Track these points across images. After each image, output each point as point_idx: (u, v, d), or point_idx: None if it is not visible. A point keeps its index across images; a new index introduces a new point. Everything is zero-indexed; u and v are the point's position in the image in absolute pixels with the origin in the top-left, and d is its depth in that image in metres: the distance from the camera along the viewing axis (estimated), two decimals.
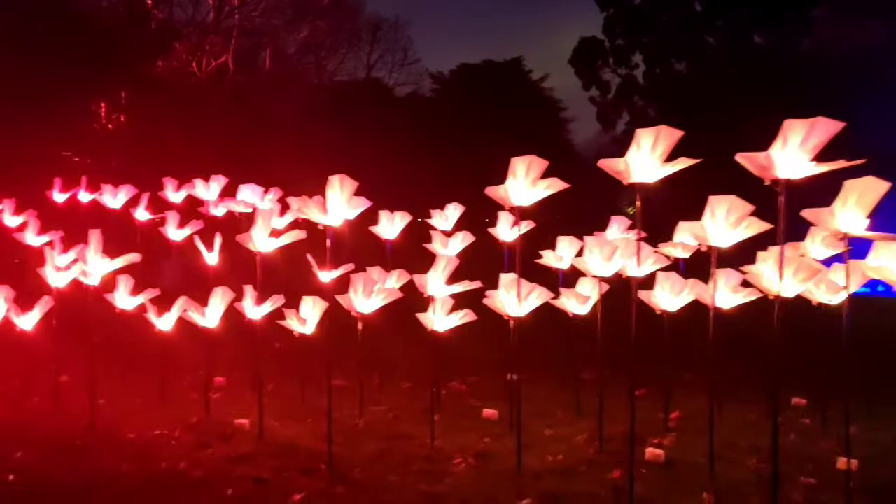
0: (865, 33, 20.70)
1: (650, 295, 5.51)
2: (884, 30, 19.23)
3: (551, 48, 40.54)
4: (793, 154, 3.68)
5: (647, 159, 4.23)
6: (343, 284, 6.25)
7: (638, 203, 4.35)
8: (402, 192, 7.41)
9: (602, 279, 5.47)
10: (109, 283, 6.22)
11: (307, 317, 6.00)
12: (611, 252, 5.19)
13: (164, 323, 6.17)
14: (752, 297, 5.18)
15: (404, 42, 24.76)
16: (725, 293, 5.17)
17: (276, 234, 5.72)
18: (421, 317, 5.93)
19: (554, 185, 4.52)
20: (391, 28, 24.10)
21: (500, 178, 4.80)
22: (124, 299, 6.29)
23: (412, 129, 19.98)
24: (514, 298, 5.49)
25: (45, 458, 4.88)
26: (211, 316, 5.75)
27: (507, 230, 7.39)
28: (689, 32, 26.97)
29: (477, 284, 5.41)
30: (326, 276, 7.07)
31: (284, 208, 7.41)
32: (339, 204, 4.86)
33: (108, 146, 15.68)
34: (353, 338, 5.79)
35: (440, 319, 5.90)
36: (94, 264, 5.44)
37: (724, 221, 4.33)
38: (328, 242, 5.22)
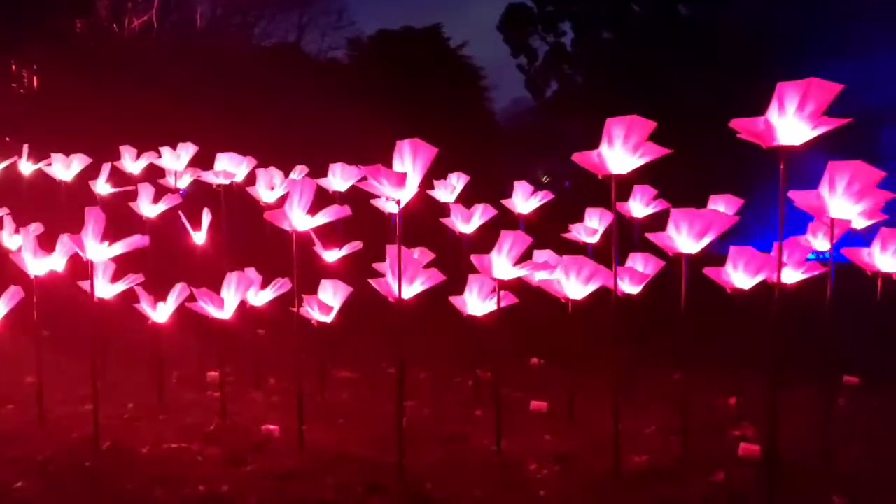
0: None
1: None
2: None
3: (473, 16, 39.84)
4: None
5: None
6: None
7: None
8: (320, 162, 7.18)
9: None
10: (81, 270, 5.30)
11: (329, 303, 5.31)
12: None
13: (161, 314, 5.31)
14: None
15: (339, 4, 23.47)
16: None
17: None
18: (456, 300, 5.36)
19: (652, 152, 3.97)
20: None
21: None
22: (104, 287, 5.37)
23: (332, 97, 19.31)
24: (573, 281, 5.01)
25: (56, 487, 4.00)
26: (225, 306, 4.93)
27: (523, 202, 6.88)
28: (616, 1, 26.95)
29: (546, 267, 4.81)
30: (331, 255, 6.38)
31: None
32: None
33: (21, 111, 14.06)
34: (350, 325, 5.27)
35: (477, 303, 5.34)
36: (94, 250, 4.50)
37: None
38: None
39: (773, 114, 3.54)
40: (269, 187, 6.77)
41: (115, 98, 14.21)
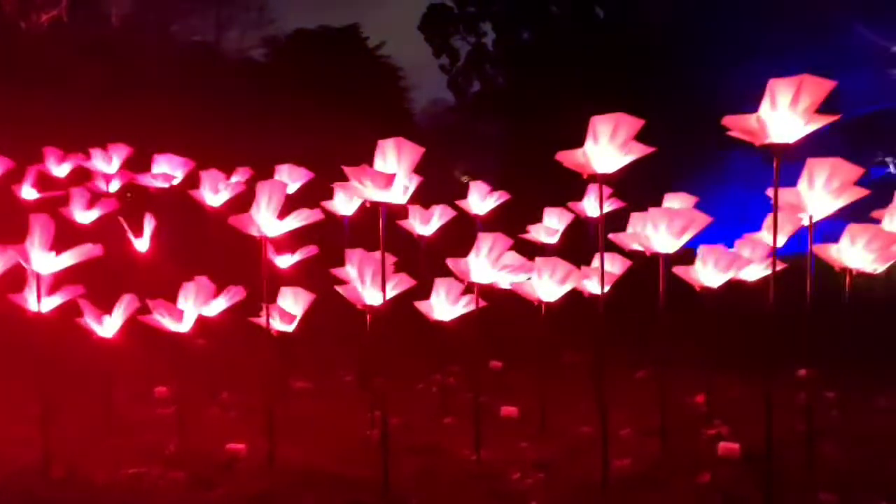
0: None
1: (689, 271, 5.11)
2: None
3: (391, 16, 39.57)
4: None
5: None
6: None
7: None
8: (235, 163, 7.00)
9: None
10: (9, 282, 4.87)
11: (291, 311, 5.07)
12: None
13: (107, 328, 4.92)
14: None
15: (259, 1, 22.78)
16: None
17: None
18: (421, 305, 5.19)
19: (638, 150, 3.92)
20: None
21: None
22: (37, 300, 4.95)
23: (249, 97, 18.88)
24: (546, 282, 4.93)
25: None
26: (184, 318, 4.60)
27: (479, 203, 6.78)
28: (534, 2, 27.31)
29: (526, 269, 4.69)
30: (284, 261, 6.11)
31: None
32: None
33: None
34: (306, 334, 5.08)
35: (445, 307, 5.19)
36: (41, 261, 4.11)
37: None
38: None
39: (765, 110, 3.49)
40: (213, 190, 6.41)
41: (22, 99, 13.33)
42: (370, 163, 3.73)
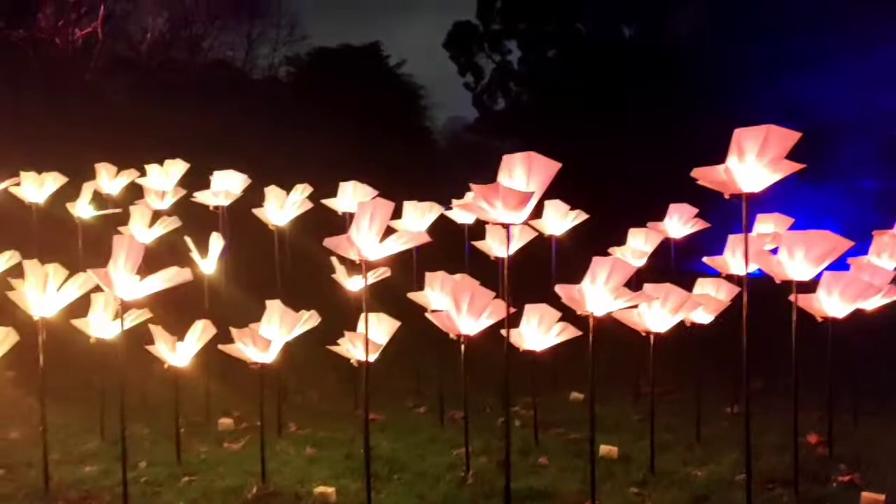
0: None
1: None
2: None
3: (413, 33, 39.49)
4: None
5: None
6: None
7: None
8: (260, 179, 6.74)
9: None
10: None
11: (375, 339, 4.67)
12: None
13: (181, 356, 4.55)
14: None
15: (290, 18, 22.66)
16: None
17: None
18: (514, 333, 4.79)
19: (787, 167, 3.53)
20: (274, 1, 21.94)
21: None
22: (104, 325, 4.63)
23: (270, 114, 18.77)
24: (657, 311, 4.53)
25: None
26: (271, 347, 4.22)
27: (555, 222, 6.39)
28: (560, 20, 27.14)
29: (646, 298, 4.28)
30: (355, 283, 5.73)
31: None
32: None
33: None
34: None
35: (537, 336, 4.81)
36: (125, 285, 3.74)
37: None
38: None
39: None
40: (279, 208, 6.06)
41: (59, 115, 13.14)
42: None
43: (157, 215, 6.02)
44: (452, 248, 6.60)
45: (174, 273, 3.79)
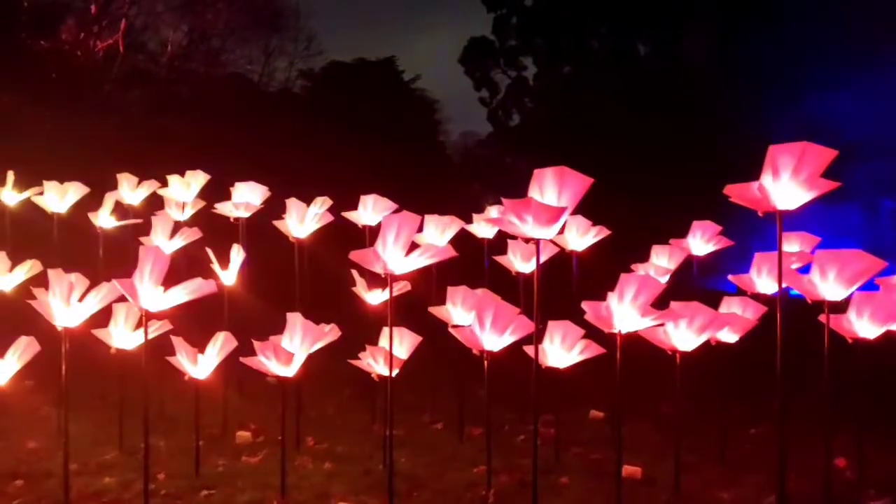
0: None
1: None
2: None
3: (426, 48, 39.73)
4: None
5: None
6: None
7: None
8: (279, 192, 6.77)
9: None
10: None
11: (397, 354, 4.62)
12: None
13: (202, 369, 4.52)
14: None
15: (307, 32, 22.81)
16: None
17: None
18: (532, 350, 4.72)
19: (823, 185, 3.47)
20: (293, 16, 22.09)
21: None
22: (125, 336, 4.61)
23: (285, 127, 18.84)
24: (683, 330, 4.46)
25: None
26: (293, 361, 4.19)
27: (577, 238, 6.33)
28: (576, 37, 27.19)
29: (673, 316, 4.22)
30: (375, 297, 5.69)
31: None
32: None
33: None
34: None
35: (561, 354, 4.75)
36: (150, 297, 3.72)
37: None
38: None
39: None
40: (300, 220, 6.04)
41: (78, 125, 13.23)
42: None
43: (177, 226, 6.02)
44: (471, 263, 6.56)
45: (198, 285, 3.77)
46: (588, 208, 6.32)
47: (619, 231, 6.60)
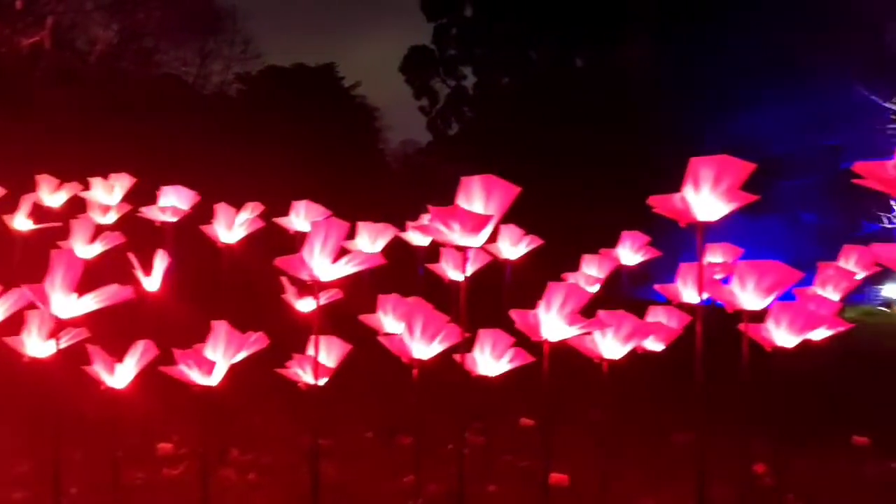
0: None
1: None
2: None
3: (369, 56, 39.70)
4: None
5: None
6: None
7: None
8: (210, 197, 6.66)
9: None
10: None
11: (325, 363, 4.56)
12: None
13: (119, 378, 4.35)
14: None
15: (244, 35, 22.44)
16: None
17: None
18: (467, 358, 4.72)
19: (742, 198, 3.57)
20: (229, 18, 21.70)
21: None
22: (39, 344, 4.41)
23: (219, 131, 18.54)
24: (611, 338, 4.52)
25: None
26: (215, 370, 4.08)
27: (510, 247, 6.37)
28: (515, 47, 27.55)
29: (600, 325, 4.27)
30: (306, 305, 5.60)
31: None
32: None
33: None
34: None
35: (490, 362, 4.75)
36: (62, 304, 3.56)
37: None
38: None
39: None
40: (228, 226, 5.91)
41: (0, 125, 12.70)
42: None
43: (100, 230, 5.82)
44: (406, 271, 6.54)
45: (114, 291, 3.64)
46: (522, 218, 6.41)
47: (553, 240, 6.68)
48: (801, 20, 16.59)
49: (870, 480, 5.12)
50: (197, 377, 4.09)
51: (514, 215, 6.04)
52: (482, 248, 6.30)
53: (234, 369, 4.67)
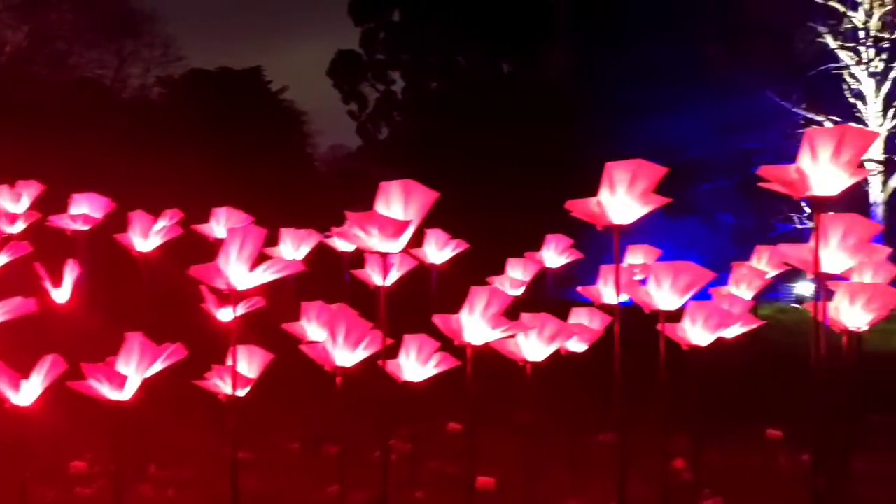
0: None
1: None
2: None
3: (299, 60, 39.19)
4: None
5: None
6: None
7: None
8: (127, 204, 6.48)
9: None
10: None
11: (246, 374, 4.46)
12: None
13: (25, 395, 4.15)
14: None
15: (164, 38, 21.80)
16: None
17: None
18: (388, 364, 4.69)
19: (656, 201, 3.66)
20: (147, 20, 21.07)
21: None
22: None
23: (138, 136, 18.06)
24: (534, 341, 4.56)
25: None
26: (127, 384, 3.93)
27: (436, 252, 6.37)
28: (443, 53, 27.69)
29: (523, 328, 4.30)
30: (226, 314, 5.46)
31: None
32: None
33: None
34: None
35: (415, 367, 4.74)
36: None
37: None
38: None
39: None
40: (143, 235, 5.72)
41: None
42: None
43: (6, 240, 5.55)
44: (333, 278, 6.47)
45: (16, 304, 3.46)
46: (450, 222, 6.42)
47: (481, 244, 6.71)
48: (715, 28, 17.20)
49: (782, 472, 5.31)
50: (108, 392, 3.92)
51: (442, 219, 6.08)
52: (408, 252, 6.33)
53: (152, 382, 4.53)
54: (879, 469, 5.50)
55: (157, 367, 4.50)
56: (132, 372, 3.97)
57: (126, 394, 3.97)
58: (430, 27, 27.48)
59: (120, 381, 3.88)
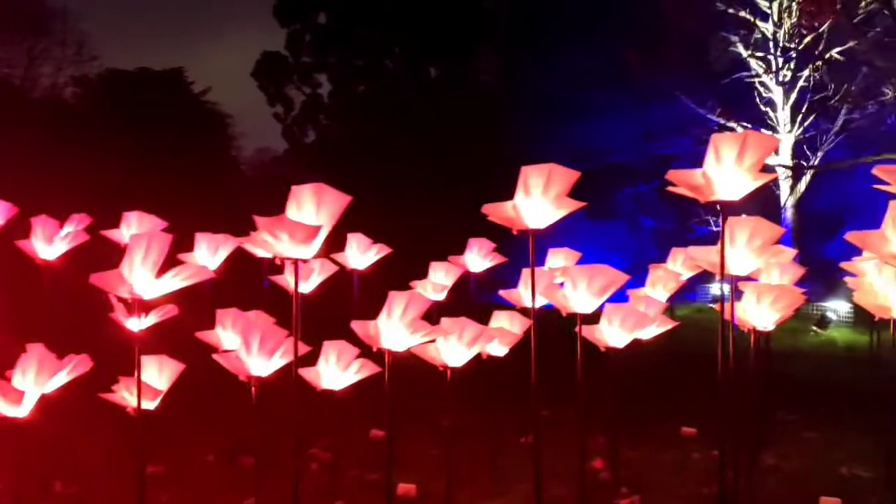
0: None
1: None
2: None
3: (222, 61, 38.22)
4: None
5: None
6: None
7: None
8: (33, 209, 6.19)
9: None
10: None
11: (156, 385, 4.31)
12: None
13: None
14: None
15: (77, 35, 20.91)
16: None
17: None
18: (307, 372, 4.60)
19: (570, 205, 3.69)
20: (59, 18, 20.16)
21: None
22: None
23: (48, 138, 17.34)
24: (454, 345, 4.53)
25: None
26: (24, 399, 3.71)
27: (358, 256, 6.31)
28: (370, 56, 27.53)
29: (441, 332, 4.26)
30: (136, 323, 5.26)
31: None
32: None
33: None
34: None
35: (335, 374, 4.66)
36: None
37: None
38: None
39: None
40: (47, 241, 5.45)
41: None
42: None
43: None
44: (252, 284, 6.30)
45: None
46: (374, 226, 6.34)
47: (405, 249, 6.66)
48: (634, 37, 17.59)
49: (695, 467, 5.44)
50: (4, 408, 3.71)
51: (367, 224, 5.99)
52: (329, 257, 6.23)
53: (56, 396, 4.31)
54: (785, 464, 5.71)
55: (60, 380, 4.30)
56: (30, 386, 3.77)
57: (23, 410, 3.77)
58: (357, 30, 27.28)
59: (16, 396, 3.67)
